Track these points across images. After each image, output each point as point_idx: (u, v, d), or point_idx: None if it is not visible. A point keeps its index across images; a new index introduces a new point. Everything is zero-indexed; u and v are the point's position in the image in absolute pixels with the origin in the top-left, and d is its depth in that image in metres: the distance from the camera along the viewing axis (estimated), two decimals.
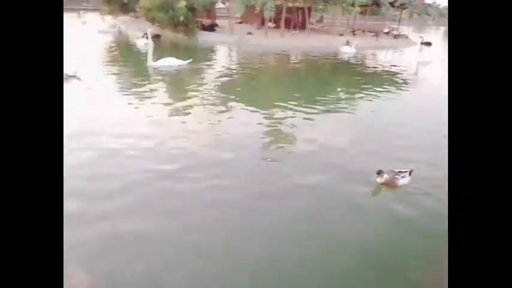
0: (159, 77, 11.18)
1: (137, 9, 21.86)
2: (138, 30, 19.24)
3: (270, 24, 22.63)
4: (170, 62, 12.06)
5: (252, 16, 23.65)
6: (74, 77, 9.63)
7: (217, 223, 3.98)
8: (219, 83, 11.00)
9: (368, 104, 9.54)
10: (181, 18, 18.02)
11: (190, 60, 12.54)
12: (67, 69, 9.07)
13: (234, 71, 13.32)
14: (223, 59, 16.24)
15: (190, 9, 18.42)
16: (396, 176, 5.02)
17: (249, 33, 20.74)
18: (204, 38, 19.43)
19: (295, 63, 16.50)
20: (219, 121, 7.47)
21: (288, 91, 10.66)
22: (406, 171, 5.13)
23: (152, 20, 19.48)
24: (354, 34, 25.15)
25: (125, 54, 15.28)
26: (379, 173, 4.93)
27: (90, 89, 9.09)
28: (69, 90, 8.57)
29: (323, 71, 14.98)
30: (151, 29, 14.14)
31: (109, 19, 24.03)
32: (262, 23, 22.27)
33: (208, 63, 14.37)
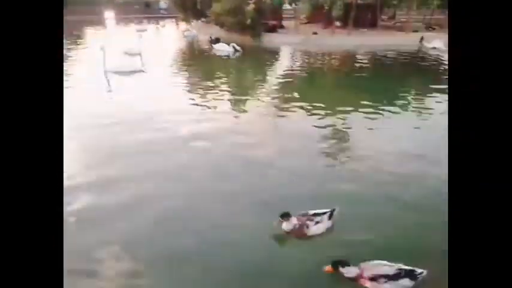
0: (223, 79, 11.82)
1: (208, 15, 23.13)
2: (205, 34, 20.42)
3: (338, 23, 22.03)
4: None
5: (318, 16, 23.30)
6: (141, 71, 11.43)
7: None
8: (281, 84, 11.19)
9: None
10: (249, 21, 18.59)
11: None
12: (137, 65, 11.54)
13: (298, 72, 13.39)
14: (286, 60, 16.39)
15: (258, 12, 18.90)
16: (307, 222, 3.70)
17: (315, 33, 20.51)
18: (270, 39, 19.77)
19: (361, 63, 15.88)
20: (276, 122, 7.65)
21: (350, 93, 10.38)
22: (323, 214, 3.79)
23: (221, 25, 20.46)
24: (431, 30, 23.13)
25: (194, 56, 16.43)
26: (284, 216, 3.66)
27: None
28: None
29: (391, 72, 14.16)
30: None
31: (183, 25, 25.90)
32: (329, 22, 21.82)
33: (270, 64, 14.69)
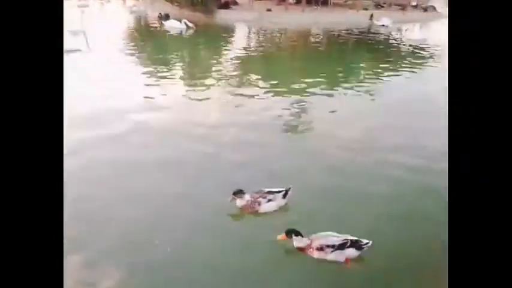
0: (177, 54, 11.25)
1: None
2: (153, 11, 19.17)
3: (291, 0, 21.86)
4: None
5: None
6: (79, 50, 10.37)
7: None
8: (237, 62, 10.90)
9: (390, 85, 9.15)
10: None
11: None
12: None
13: (254, 49, 13.12)
14: (241, 37, 16.00)
15: None
16: (260, 199, 3.72)
17: (269, 9, 20.17)
18: (223, 15, 19.09)
19: (315, 40, 15.97)
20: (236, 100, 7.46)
21: (305, 69, 10.41)
22: (278, 192, 3.81)
23: (171, 0, 19.33)
24: (380, 7, 23.88)
25: (144, 34, 15.40)
26: (238, 193, 3.69)
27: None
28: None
29: (344, 48, 14.43)
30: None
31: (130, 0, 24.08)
32: None
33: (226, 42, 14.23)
